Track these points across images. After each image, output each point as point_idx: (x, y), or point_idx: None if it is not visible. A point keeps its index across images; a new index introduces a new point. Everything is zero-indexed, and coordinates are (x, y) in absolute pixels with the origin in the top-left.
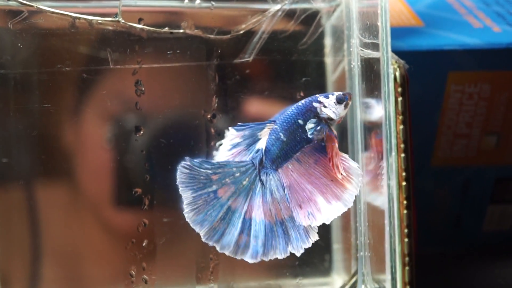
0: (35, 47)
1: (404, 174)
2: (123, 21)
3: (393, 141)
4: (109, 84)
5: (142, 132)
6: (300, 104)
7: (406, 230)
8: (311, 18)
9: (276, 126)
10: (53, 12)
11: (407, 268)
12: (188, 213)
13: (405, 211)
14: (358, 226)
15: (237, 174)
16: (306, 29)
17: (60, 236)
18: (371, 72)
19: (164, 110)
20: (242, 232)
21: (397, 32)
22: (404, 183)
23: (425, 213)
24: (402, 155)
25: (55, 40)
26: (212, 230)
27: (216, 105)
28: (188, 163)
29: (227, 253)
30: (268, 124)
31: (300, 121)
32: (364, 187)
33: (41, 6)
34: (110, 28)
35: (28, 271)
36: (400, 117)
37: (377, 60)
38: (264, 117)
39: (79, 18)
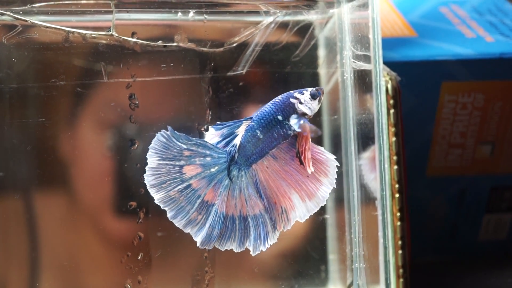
0: (29, 62)
1: (397, 186)
2: (116, 35)
3: (386, 153)
4: (103, 98)
5: (136, 145)
6: (277, 100)
7: (400, 242)
8: (304, 30)
9: (252, 123)
10: (46, 27)
11: (401, 280)
12: (148, 176)
13: (398, 223)
14: (352, 237)
15: (208, 159)
16: (299, 41)
17: (56, 249)
18: (363, 84)
19: (158, 123)
20: (197, 211)
21: (391, 43)
22: (397, 195)
23: (421, 222)
24: (395, 167)
25: (49, 54)
26: (167, 197)
27: (209, 117)
28: (168, 133)
29: (176, 223)
30: (244, 121)
31: (279, 117)
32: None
33: (35, 20)
34: (103, 42)
35: (25, 282)
36: (393, 129)
37: (369, 72)
38: None
39: (72, 32)
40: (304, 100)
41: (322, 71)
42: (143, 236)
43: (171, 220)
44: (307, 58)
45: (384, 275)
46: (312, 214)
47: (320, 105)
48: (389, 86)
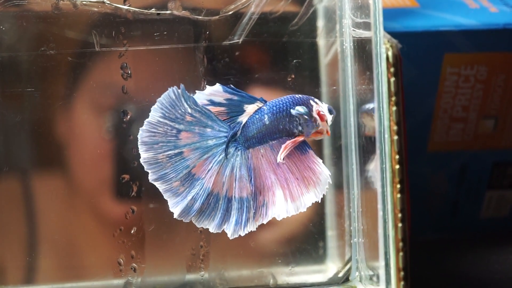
0: (18, 30)
1: (397, 157)
2: (108, 2)
3: (386, 123)
4: (95, 67)
5: (129, 116)
6: (297, 96)
7: (400, 215)
8: None
9: (264, 107)
10: None
11: (401, 253)
12: (143, 131)
13: (398, 195)
14: (351, 212)
15: (208, 130)
16: (297, 9)
17: (49, 224)
18: (363, 53)
19: (151, 94)
20: (180, 181)
21: (392, 13)
22: (397, 166)
23: (422, 199)
24: (395, 137)
25: (39, 23)
26: (154, 160)
27: (204, 88)
28: (180, 90)
29: (157, 185)
30: (258, 102)
31: (292, 111)
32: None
33: None
34: (95, 9)
35: (21, 258)
36: (393, 98)
37: (369, 40)
38: None
39: None
40: (323, 109)
41: (321, 41)
42: (136, 209)
43: (151, 182)
44: (305, 27)
45: (384, 249)
46: (289, 216)
47: (330, 124)
48: (390, 53)
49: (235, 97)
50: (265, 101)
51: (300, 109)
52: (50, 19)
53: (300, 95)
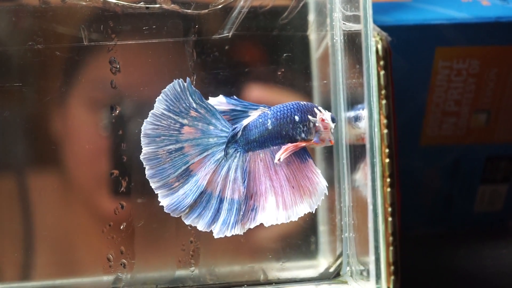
0: (5, 23)
1: (387, 151)
2: None
3: (376, 116)
4: (83, 62)
5: (118, 111)
6: (302, 103)
7: (390, 209)
8: None
9: (268, 112)
10: None
11: (391, 248)
12: (147, 123)
13: (388, 189)
14: (342, 206)
15: (211, 127)
16: (288, 3)
17: (40, 221)
18: (353, 46)
19: (140, 88)
20: (176, 177)
21: (384, 7)
22: (387, 160)
23: (415, 193)
24: (385, 131)
25: (26, 17)
26: (154, 154)
27: (194, 82)
28: (186, 84)
29: (150, 182)
30: (262, 108)
31: (296, 117)
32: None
33: None
34: (83, 3)
35: (9, 256)
36: (383, 92)
37: (359, 34)
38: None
39: None
40: (326, 118)
41: (312, 35)
42: (125, 205)
43: (147, 178)
44: (296, 21)
45: (374, 243)
46: (279, 223)
47: (333, 132)
48: (379, 46)
49: (239, 108)
50: (269, 107)
51: (310, 117)
52: (38, 13)
53: (305, 102)
